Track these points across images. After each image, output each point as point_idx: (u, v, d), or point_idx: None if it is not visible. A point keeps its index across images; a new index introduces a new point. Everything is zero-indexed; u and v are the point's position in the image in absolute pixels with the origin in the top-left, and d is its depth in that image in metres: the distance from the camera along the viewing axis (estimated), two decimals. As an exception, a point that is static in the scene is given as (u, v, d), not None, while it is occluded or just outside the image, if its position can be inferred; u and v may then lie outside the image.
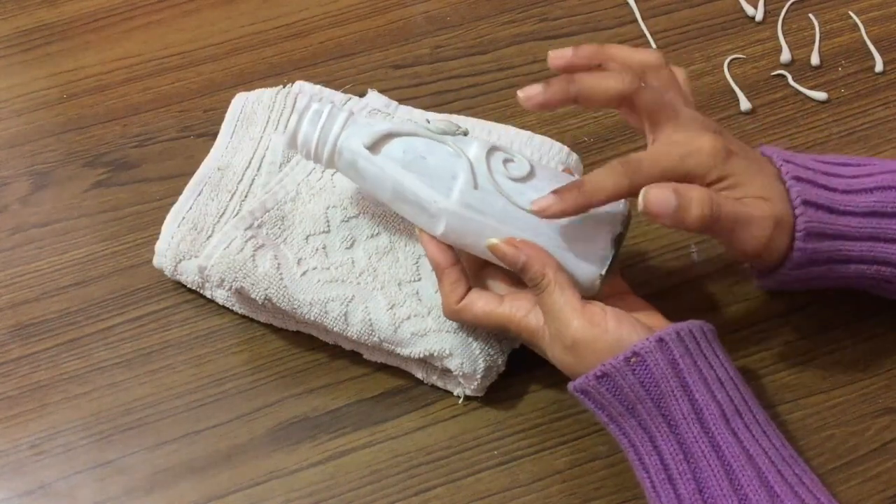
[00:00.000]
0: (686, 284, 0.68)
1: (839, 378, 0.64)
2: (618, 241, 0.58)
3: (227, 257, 0.63)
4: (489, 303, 0.59)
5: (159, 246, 0.68)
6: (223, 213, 0.69)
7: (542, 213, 0.55)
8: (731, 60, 0.79)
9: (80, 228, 0.72)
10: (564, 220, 0.57)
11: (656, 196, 0.54)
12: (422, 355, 0.62)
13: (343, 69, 0.80)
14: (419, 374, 0.64)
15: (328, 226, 0.66)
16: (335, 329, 0.63)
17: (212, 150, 0.72)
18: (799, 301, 0.67)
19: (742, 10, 0.82)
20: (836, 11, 0.81)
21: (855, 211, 0.57)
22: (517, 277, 0.59)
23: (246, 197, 0.69)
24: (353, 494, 0.61)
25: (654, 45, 0.80)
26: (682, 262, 0.69)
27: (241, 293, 0.64)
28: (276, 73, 0.80)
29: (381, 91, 0.74)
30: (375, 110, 0.72)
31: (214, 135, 0.73)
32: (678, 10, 0.82)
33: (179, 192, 0.70)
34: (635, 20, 0.82)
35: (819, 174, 0.58)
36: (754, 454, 0.52)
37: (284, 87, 0.75)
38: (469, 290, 0.60)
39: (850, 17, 0.81)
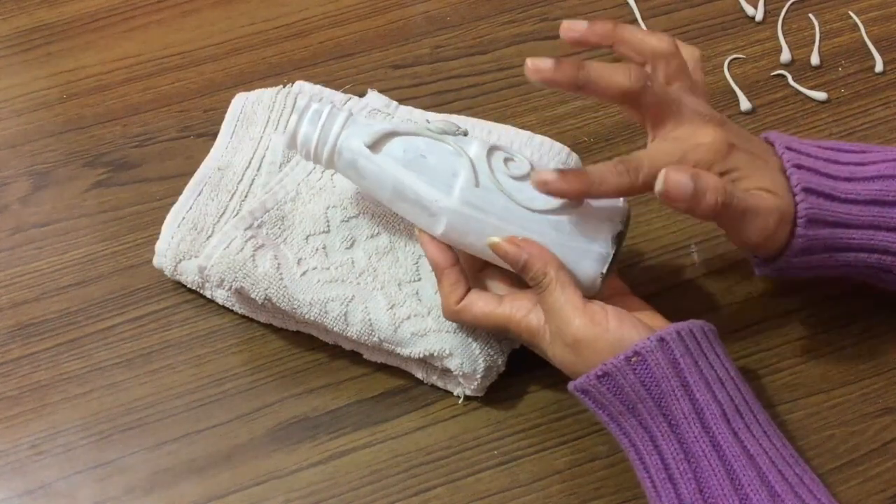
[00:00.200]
0: (686, 284, 0.68)
1: (839, 378, 0.64)
2: (618, 239, 0.58)
3: (227, 257, 0.63)
4: (489, 303, 0.59)
5: (159, 246, 0.68)
6: (223, 213, 0.69)
7: (544, 187, 0.55)
8: (732, 60, 0.79)
9: (80, 228, 0.72)
10: (565, 218, 0.57)
11: (674, 180, 0.54)
12: (422, 355, 0.62)
13: (343, 69, 0.80)
14: (419, 374, 0.64)
15: (328, 226, 0.66)
16: (335, 329, 0.63)
17: (212, 150, 0.72)
18: (799, 301, 0.67)
19: (742, 10, 0.82)
20: (836, 11, 0.81)
21: (856, 199, 0.57)
22: (517, 278, 0.59)
23: (246, 197, 0.69)
24: (353, 494, 0.61)
25: (654, 45, 0.80)
26: (682, 262, 0.69)
27: (241, 293, 0.64)
28: (276, 73, 0.80)
29: (381, 91, 0.74)
30: (375, 110, 0.72)
31: (214, 135, 0.73)
32: (678, 10, 0.82)
33: (179, 192, 0.70)
34: (635, 20, 0.82)
35: (820, 161, 0.58)
36: (755, 454, 0.52)
37: (284, 87, 0.75)
38: (469, 290, 0.60)
39: (850, 17, 0.81)
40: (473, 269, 0.61)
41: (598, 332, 0.55)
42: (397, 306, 0.63)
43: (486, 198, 0.57)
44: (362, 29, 0.83)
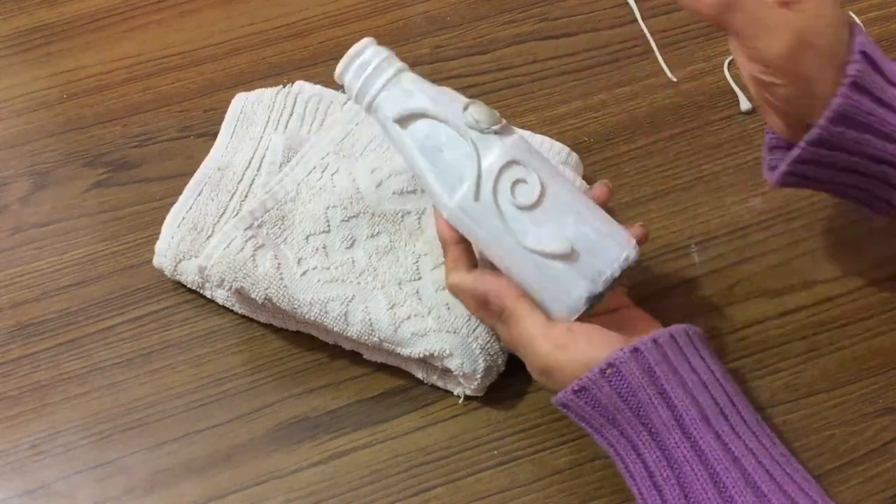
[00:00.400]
0: (686, 284, 0.68)
1: (839, 378, 0.64)
2: (594, 300, 0.56)
3: (227, 257, 0.63)
4: (478, 279, 0.58)
5: (159, 246, 0.68)
6: (223, 213, 0.69)
7: None
8: (732, 60, 0.79)
9: (80, 228, 0.72)
10: (550, 263, 0.56)
11: None
12: (422, 355, 0.62)
13: (343, 69, 0.80)
14: (419, 374, 0.64)
15: (328, 226, 0.66)
16: (335, 329, 0.62)
17: (212, 150, 0.72)
18: (799, 301, 0.67)
19: (742, 10, 0.82)
20: (836, 11, 0.81)
21: None
22: None
23: (246, 197, 0.69)
24: (353, 494, 0.61)
25: (654, 46, 0.80)
26: (682, 262, 0.69)
27: (241, 293, 0.64)
28: (276, 73, 0.80)
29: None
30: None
31: (214, 135, 0.73)
32: (678, 10, 0.82)
33: (179, 192, 0.70)
34: (635, 20, 0.82)
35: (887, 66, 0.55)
36: (739, 455, 0.52)
37: (284, 87, 0.75)
38: (472, 269, 0.59)
39: (851, 18, 0.81)
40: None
41: (567, 356, 0.55)
42: (397, 306, 0.63)
43: (481, 214, 0.57)
44: (362, 29, 0.83)
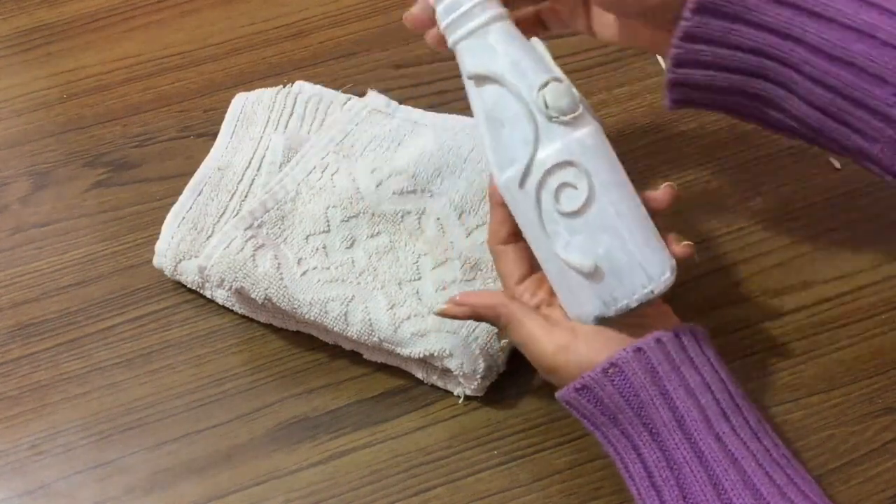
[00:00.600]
0: (686, 284, 0.68)
1: (839, 378, 0.64)
2: (607, 319, 0.55)
3: (228, 257, 0.63)
4: (470, 298, 0.58)
5: (159, 246, 0.68)
6: (223, 213, 0.69)
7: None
8: (731, 60, 0.79)
9: (80, 228, 0.72)
10: (572, 274, 0.54)
11: None
12: (422, 355, 0.62)
13: (343, 69, 0.80)
14: (419, 374, 0.64)
15: (328, 225, 0.66)
16: (335, 329, 0.63)
17: (212, 150, 0.72)
18: (799, 301, 0.67)
19: (742, 10, 0.82)
20: (836, 11, 0.81)
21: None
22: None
23: (246, 197, 0.69)
24: (353, 494, 0.61)
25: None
26: (683, 262, 0.69)
27: (241, 293, 0.64)
28: (276, 73, 0.80)
29: (381, 91, 0.74)
30: (376, 110, 0.72)
31: (214, 135, 0.73)
32: (678, 10, 0.82)
33: (179, 192, 0.70)
34: (635, 20, 0.82)
35: None
36: (740, 458, 0.52)
37: (284, 87, 0.75)
38: (514, 237, 0.57)
39: None
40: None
41: (568, 358, 0.55)
42: (397, 306, 0.63)
43: (523, 200, 0.54)
44: (362, 29, 0.83)
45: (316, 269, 0.64)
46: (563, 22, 0.63)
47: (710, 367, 0.55)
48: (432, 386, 0.64)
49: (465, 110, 0.76)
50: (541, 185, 0.54)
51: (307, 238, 0.65)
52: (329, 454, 0.62)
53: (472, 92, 0.55)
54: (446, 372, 0.63)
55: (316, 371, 0.66)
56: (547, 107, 0.53)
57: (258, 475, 0.62)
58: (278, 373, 0.66)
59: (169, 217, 0.69)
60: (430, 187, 0.67)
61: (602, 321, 0.55)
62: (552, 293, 0.57)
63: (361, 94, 0.74)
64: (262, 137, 0.72)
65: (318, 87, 0.75)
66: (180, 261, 0.67)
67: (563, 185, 0.53)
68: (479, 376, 0.62)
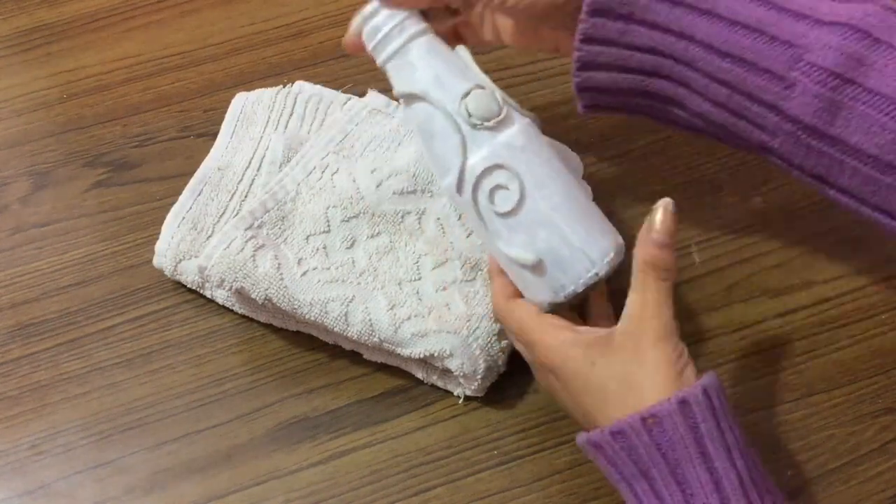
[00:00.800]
0: (686, 284, 0.68)
1: (839, 378, 0.64)
2: (560, 305, 0.57)
3: (228, 257, 0.63)
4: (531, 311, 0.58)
5: (159, 246, 0.68)
6: (223, 213, 0.69)
7: None
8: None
9: (80, 228, 0.72)
10: (516, 268, 0.57)
11: None
12: (422, 356, 0.62)
13: (343, 69, 0.80)
14: (419, 374, 0.64)
15: (328, 226, 0.66)
16: (335, 329, 0.63)
17: (212, 150, 0.72)
18: (799, 301, 0.67)
19: (742, 10, 0.82)
20: (836, 11, 0.81)
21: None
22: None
23: (246, 197, 0.69)
24: (353, 494, 0.61)
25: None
26: (683, 262, 0.69)
27: (241, 293, 0.64)
28: (276, 73, 0.80)
29: (381, 91, 0.74)
30: (376, 110, 0.72)
31: (214, 135, 0.73)
32: (678, 10, 0.82)
33: (179, 192, 0.70)
34: (635, 20, 0.82)
35: None
36: None
37: (284, 87, 0.75)
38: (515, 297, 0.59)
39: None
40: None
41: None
42: (398, 306, 0.63)
43: (462, 205, 0.58)
44: (362, 29, 0.83)
45: (316, 270, 0.64)
46: (477, 34, 0.64)
47: (737, 426, 0.52)
48: (432, 386, 0.64)
49: (465, 110, 0.76)
50: (475, 189, 0.56)
51: (307, 238, 0.65)
52: (329, 454, 0.62)
53: (405, 111, 0.58)
54: (446, 372, 0.63)
55: (316, 371, 0.66)
56: (470, 115, 0.55)
57: (258, 475, 0.62)
58: (278, 373, 0.66)
59: (169, 217, 0.69)
60: (430, 187, 0.67)
61: (556, 306, 0.57)
62: None
63: (361, 94, 0.74)
64: (262, 137, 0.72)
65: (318, 87, 0.75)
66: (180, 261, 0.67)
67: (497, 187, 0.56)
68: (479, 376, 0.62)
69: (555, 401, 0.59)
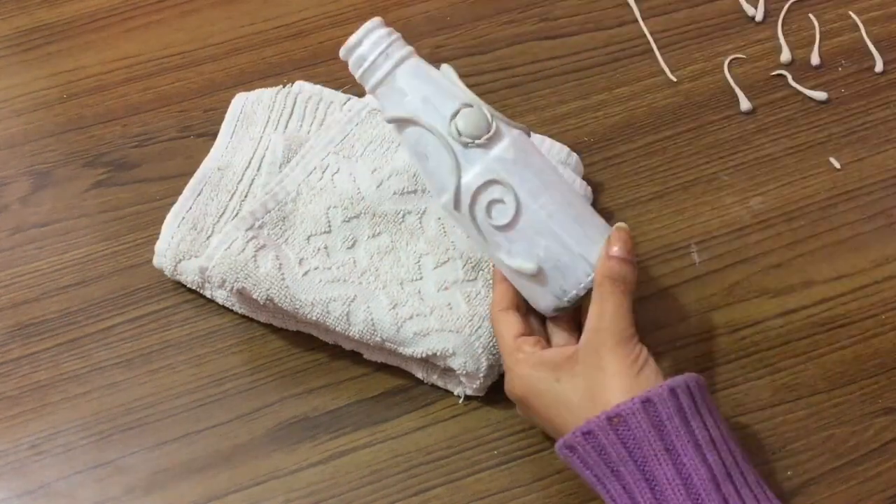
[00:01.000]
0: (686, 284, 0.68)
1: (839, 378, 0.64)
2: (566, 308, 0.59)
3: (229, 258, 0.63)
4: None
5: (159, 246, 0.68)
6: (223, 213, 0.69)
7: None
8: (731, 60, 0.79)
9: (80, 228, 0.72)
10: (516, 278, 0.59)
11: None
12: (424, 355, 0.62)
13: (343, 69, 0.78)
14: (419, 374, 0.64)
15: (329, 226, 0.66)
16: (337, 329, 0.63)
17: (212, 150, 0.72)
18: (799, 301, 0.67)
19: (742, 10, 0.82)
20: (836, 11, 0.81)
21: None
22: (576, 326, 0.61)
23: (246, 197, 0.69)
24: (353, 494, 0.61)
25: (654, 46, 0.80)
26: (682, 262, 0.69)
27: (242, 294, 0.64)
28: (276, 73, 0.80)
29: (382, 91, 0.74)
30: (376, 110, 0.72)
31: (214, 135, 0.73)
32: (678, 10, 0.82)
33: (179, 192, 0.70)
34: (635, 20, 0.82)
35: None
36: None
37: (284, 86, 0.75)
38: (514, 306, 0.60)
39: (851, 17, 0.81)
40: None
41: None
42: (400, 306, 0.63)
43: (461, 220, 0.59)
44: (362, 29, 0.83)
45: (318, 270, 0.64)
46: None
47: (714, 423, 0.53)
48: (432, 386, 0.64)
49: (465, 110, 0.76)
50: (472, 205, 0.57)
51: (308, 238, 0.65)
52: (329, 454, 0.62)
53: (397, 135, 0.59)
54: (447, 371, 0.63)
55: (316, 371, 0.66)
56: (460, 134, 0.56)
57: (258, 475, 0.62)
58: (278, 373, 0.66)
59: (169, 217, 0.69)
60: (430, 187, 0.67)
61: (560, 310, 0.59)
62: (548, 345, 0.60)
63: (361, 94, 0.74)
64: (262, 137, 0.72)
65: (318, 87, 0.75)
66: (180, 261, 0.67)
67: (493, 201, 0.57)
68: (481, 375, 0.62)
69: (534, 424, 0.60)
